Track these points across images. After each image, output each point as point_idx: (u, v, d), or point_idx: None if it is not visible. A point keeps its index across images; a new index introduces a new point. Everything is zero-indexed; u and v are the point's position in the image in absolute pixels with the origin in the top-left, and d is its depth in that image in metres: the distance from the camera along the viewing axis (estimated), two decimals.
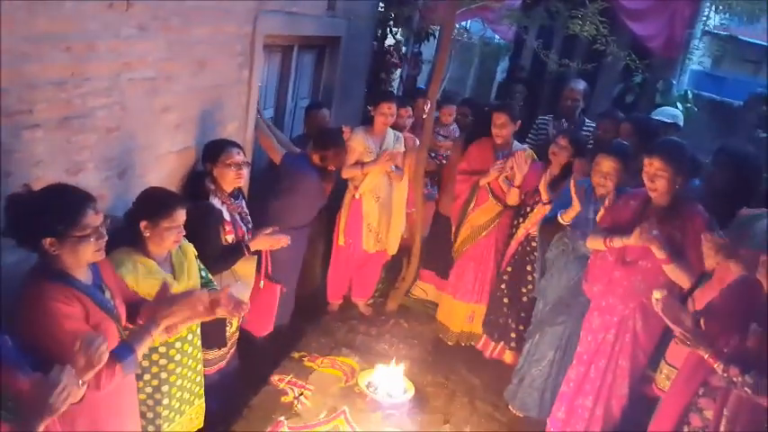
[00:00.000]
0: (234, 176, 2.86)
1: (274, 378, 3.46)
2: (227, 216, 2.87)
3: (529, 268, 3.82)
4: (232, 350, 3.16)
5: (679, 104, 5.60)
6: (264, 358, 3.59)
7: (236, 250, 2.89)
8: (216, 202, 2.84)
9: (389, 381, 3.46)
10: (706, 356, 2.26)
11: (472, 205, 4.05)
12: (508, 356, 3.97)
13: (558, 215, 3.35)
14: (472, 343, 4.21)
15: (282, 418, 3.11)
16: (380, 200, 4.15)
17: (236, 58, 3.26)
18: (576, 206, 3.25)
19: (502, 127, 3.93)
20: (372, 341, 4.08)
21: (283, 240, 3.05)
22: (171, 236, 2.31)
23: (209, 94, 3.06)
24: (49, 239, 1.74)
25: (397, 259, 4.59)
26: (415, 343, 4.16)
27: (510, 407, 3.58)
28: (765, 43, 7.84)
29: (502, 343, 4.01)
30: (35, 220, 1.73)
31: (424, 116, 4.33)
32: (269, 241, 3.03)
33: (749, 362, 2.18)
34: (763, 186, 2.63)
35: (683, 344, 2.35)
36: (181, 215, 2.32)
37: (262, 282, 3.21)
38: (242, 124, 3.43)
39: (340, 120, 4.53)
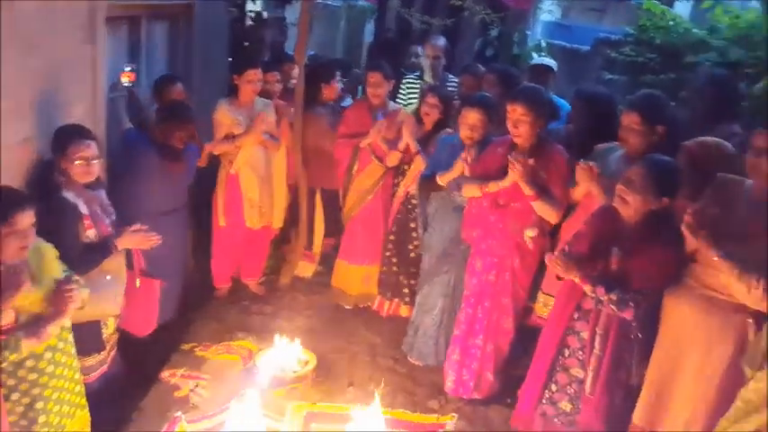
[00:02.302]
0: (82, 172, 2.59)
1: (165, 374, 3.29)
2: (84, 210, 2.60)
3: (412, 225, 3.91)
4: (113, 353, 2.94)
5: (534, 53, 5.91)
6: (151, 356, 3.38)
7: (102, 248, 2.66)
8: (69, 195, 2.57)
9: (289, 356, 3.41)
10: (576, 280, 2.47)
11: (356, 168, 4.04)
12: (404, 310, 4.06)
13: (437, 176, 3.41)
14: (369, 304, 4.24)
15: (179, 414, 2.96)
16: (259, 172, 4.00)
17: (74, 32, 2.94)
18: (457, 170, 3.28)
19: (377, 86, 3.90)
20: (268, 319, 3.99)
21: (153, 240, 2.83)
22: (13, 242, 2.05)
23: (46, 74, 2.74)
24: None
25: (284, 232, 4.49)
26: (314, 313, 4.13)
27: (409, 358, 3.68)
28: None
29: (396, 300, 4.09)
30: None
31: (293, 81, 4.21)
32: (136, 239, 2.79)
33: (613, 282, 2.41)
34: (616, 122, 2.85)
35: (558, 271, 2.54)
36: (23, 218, 2.07)
37: (138, 280, 2.98)
38: (90, 105, 3.12)
39: (203, 93, 4.29)
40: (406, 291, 4.03)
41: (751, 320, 2.24)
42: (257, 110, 3.93)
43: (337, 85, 4.33)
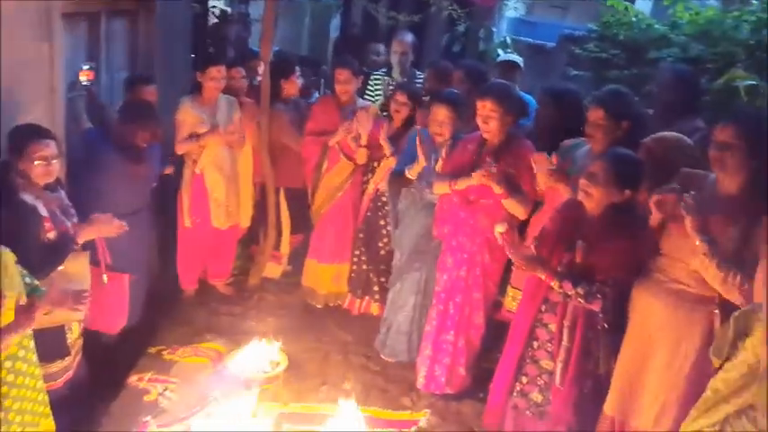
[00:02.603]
0: (42, 173, 2.50)
1: (132, 379, 3.23)
2: (43, 212, 2.51)
3: (382, 222, 3.90)
4: (78, 358, 2.85)
5: (500, 50, 5.95)
6: (118, 360, 3.32)
7: (62, 245, 2.57)
8: (28, 197, 2.48)
9: (260, 357, 3.37)
10: (543, 277, 2.50)
11: (325, 166, 4.00)
12: (374, 308, 4.05)
13: (405, 170, 3.43)
14: (340, 302, 4.21)
15: (148, 418, 2.91)
16: (224, 171, 3.94)
17: (29, 30, 2.85)
18: (422, 161, 3.34)
19: (346, 83, 3.88)
20: (237, 320, 3.94)
21: (116, 225, 2.74)
22: None
23: (1, 74, 2.65)
24: None
25: (252, 232, 4.42)
26: (284, 313, 4.08)
27: (382, 355, 3.68)
28: None
29: (367, 297, 4.07)
30: None
31: (259, 78, 4.15)
32: (97, 228, 2.71)
33: (579, 275, 2.45)
34: (583, 119, 2.89)
35: (522, 269, 2.57)
36: None
37: (105, 275, 2.91)
38: (48, 105, 3.02)
39: (166, 91, 4.19)
40: (375, 288, 4.01)
41: (717, 311, 2.27)
42: (221, 107, 3.87)
43: (297, 80, 4.25)
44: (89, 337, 3.01)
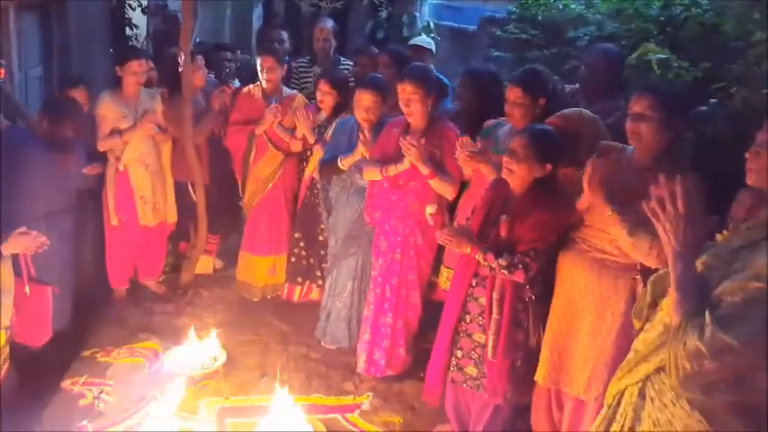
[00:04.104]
0: None
1: (66, 383, 3.14)
2: None
3: (320, 209, 3.89)
4: (5, 367, 2.75)
5: (424, 35, 6.02)
6: (51, 366, 3.21)
7: None
8: None
9: (198, 353, 3.33)
10: (468, 251, 2.58)
11: (252, 156, 3.97)
12: (315, 294, 4.02)
13: (339, 160, 3.44)
14: (278, 293, 4.18)
15: (85, 422, 2.84)
16: (150, 167, 3.85)
17: None
18: (359, 153, 3.34)
19: (270, 71, 3.84)
20: (172, 318, 3.86)
21: (39, 241, 2.66)
22: None
23: None
24: None
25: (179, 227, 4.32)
26: (220, 308, 4.04)
27: (322, 343, 3.69)
28: None
29: (308, 282, 4.05)
30: None
31: (180, 70, 4.04)
32: (23, 242, 2.62)
33: (502, 247, 2.54)
34: (503, 99, 2.96)
35: (450, 245, 2.64)
36: None
37: (27, 287, 2.80)
38: None
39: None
40: (318, 273, 4.00)
41: (638, 277, 2.37)
42: (143, 101, 3.77)
43: (200, 71, 4.10)
44: (17, 343, 2.91)
